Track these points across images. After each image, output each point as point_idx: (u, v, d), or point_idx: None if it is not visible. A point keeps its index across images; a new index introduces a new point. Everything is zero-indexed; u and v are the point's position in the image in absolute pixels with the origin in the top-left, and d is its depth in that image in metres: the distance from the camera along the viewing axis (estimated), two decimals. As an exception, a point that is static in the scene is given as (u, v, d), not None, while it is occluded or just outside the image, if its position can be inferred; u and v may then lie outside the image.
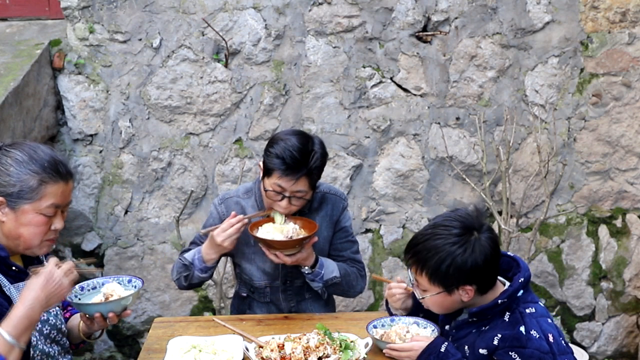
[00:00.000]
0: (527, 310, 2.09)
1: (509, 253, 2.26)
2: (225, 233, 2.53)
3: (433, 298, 2.16)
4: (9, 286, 2.03)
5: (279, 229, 2.56)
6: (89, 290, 2.25)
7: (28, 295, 1.89)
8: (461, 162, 4.11)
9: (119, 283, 2.28)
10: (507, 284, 2.17)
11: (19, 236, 2.03)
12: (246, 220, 2.56)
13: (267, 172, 2.55)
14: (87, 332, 2.27)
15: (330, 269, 2.69)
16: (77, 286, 2.21)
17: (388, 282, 2.56)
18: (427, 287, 2.16)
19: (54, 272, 1.93)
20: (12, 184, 1.99)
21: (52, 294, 1.93)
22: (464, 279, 2.09)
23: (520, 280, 2.12)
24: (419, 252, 2.15)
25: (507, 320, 2.10)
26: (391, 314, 2.54)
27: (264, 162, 2.57)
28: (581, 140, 4.15)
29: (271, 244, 2.51)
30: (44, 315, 2.13)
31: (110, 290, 2.22)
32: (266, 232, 2.57)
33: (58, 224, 2.09)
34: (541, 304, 2.16)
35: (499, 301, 2.10)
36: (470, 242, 2.08)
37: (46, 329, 2.16)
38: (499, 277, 2.22)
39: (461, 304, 2.17)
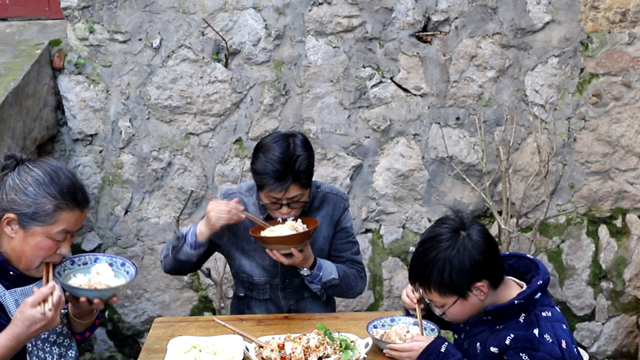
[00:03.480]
0: (543, 314, 2.08)
1: (528, 255, 2.24)
2: (219, 208, 2.51)
3: (452, 309, 2.14)
4: (4, 292, 2.02)
5: (290, 225, 2.55)
6: (79, 265, 2.17)
7: (20, 333, 1.88)
8: (461, 162, 4.12)
9: (110, 265, 2.19)
10: (525, 286, 2.15)
11: (22, 254, 2.02)
12: (243, 216, 2.55)
13: (258, 187, 2.57)
14: (76, 312, 2.21)
15: (329, 270, 2.69)
16: (67, 260, 2.15)
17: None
18: (441, 301, 2.14)
19: (55, 319, 1.90)
20: (28, 204, 1.98)
21: (42, 330, 1.92)
22: (470, 278, 2.07)
23: (539, 283, 2.10)
24: (419, 273, 2.14)
25: (521, 321, 2.08)
26: (408, 314, 2.52)
27: (253, 178, 2.58)
28: (581, 140, 4.15)
29: (284, 240, 2.47)
30: None
31: (101, 271, 2.15)
32: (272, 233, 2.55)
33: (64, 249, 2.07)
34: (557, 309, 2.13)
35: (516, 302, 2.07)
36: (460, 241, 2.08)
37: (44, 334, 2.12)
38: (516, 279, 2.20)
39: (480, 305, 2.13)
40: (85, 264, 2.18)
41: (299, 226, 2.55)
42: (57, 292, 1.92)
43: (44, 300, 1.89)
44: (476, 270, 2.07)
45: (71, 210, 2.02)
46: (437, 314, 2.23)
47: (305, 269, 2.62)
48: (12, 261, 2.04)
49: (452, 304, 2.13)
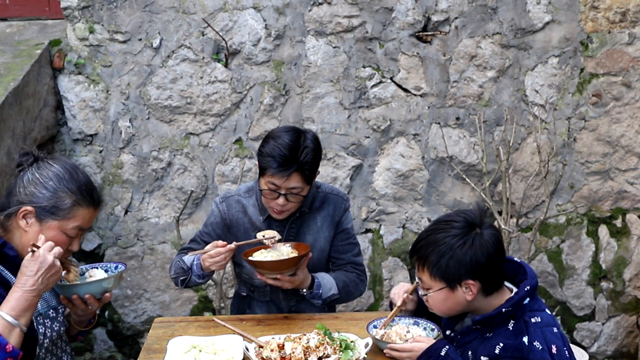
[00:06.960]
0: (533, 320, 2.05)
1: (515, 259, 2.24)
2: (212, 260, 2.54)
3: (435, 295, 2.13)
4: None
5: (277, 252, 2.57)
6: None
7: (25, 281, 1.91)
8: (461, 162, 4.12)
9: (105, 270, 2.27)
10: (514, 289, 2.14)
11: None
12: (233, 246, 2.54)
13: (261, 171, 2.57)
14: (77, 320, 2.26)
15: (328, 287, 2.70)
16: (64, 272, 2.19)
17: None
18: (429, 283, 2.13)
19: (46, 257, 1.93)
20: (48, 197, 2.02)
21: (47, 278, 1.94)
22: (464, 273, 2.06)
23: (526, 289, 2.08)
24: (420, 248, 2.14)
25: (511, 329, 2.06)
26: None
27: (258, 161, 2.59)
28: (581, 140, 4.15)
29: (268, 266, 2.50)
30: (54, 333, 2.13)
31: (93, 274, 2.23)
32: (262, 257, 2.57)
33: (75, 246, 2.12)
34: (548, 312, 2.11)
35: (503, 310, 2.06)
36: (471, 236, 2.07)
37: (46, 342, 2.13)
38: (506, 283, 2.19)
39: (465, 305, 2.13)
40: (82, 274, 2.25)
41: (285, 252, 2.56)
42: (44, 239, 1.97)
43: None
44: (474, 268, 2.06)
45: (87, 207, 2.08)
46: (421, 294, 2.21)
47: (304, 289, 2.65)
48: (22, 256, 2.04)
49: (437, 290, 2.12)
